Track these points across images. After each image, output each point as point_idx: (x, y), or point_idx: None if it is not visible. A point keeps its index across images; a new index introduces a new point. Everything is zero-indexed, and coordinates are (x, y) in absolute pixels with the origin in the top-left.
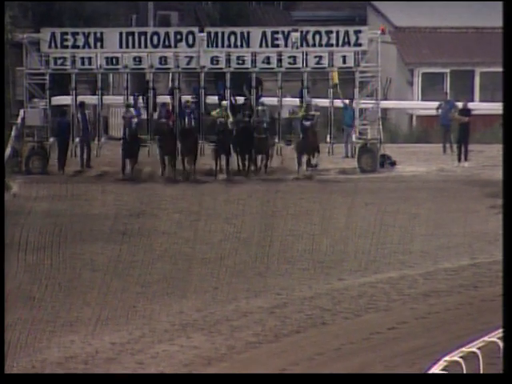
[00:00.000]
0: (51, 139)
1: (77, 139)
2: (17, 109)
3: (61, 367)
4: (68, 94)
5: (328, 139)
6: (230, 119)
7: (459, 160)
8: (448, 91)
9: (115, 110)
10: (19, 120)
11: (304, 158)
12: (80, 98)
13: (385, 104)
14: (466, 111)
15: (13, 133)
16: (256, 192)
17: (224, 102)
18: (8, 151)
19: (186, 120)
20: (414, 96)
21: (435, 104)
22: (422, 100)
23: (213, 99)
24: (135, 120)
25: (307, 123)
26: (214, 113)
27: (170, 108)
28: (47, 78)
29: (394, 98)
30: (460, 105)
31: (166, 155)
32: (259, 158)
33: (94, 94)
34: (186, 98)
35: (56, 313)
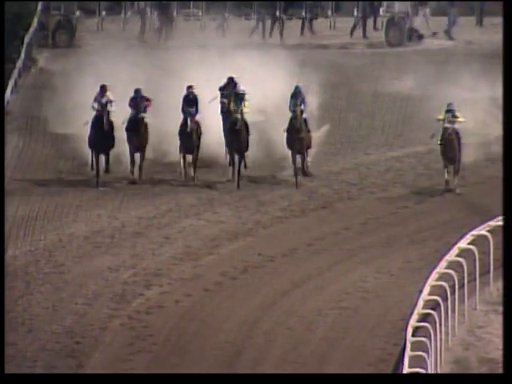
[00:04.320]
0: (77, 13)
1: None
2: None
3: (87, 241)
4: None
5: (355, 13)
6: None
7: None
8: None
9: None
10: None
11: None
12: None
13: None
14: None
15: (39, 6)
16: None
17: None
18: (34, 25)
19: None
20: None
21: None
22: None
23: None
24: (112, 107)
25: (451, 125)
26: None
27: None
28: None
29: None
30: None
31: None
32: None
33: None
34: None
35: (83, 187)
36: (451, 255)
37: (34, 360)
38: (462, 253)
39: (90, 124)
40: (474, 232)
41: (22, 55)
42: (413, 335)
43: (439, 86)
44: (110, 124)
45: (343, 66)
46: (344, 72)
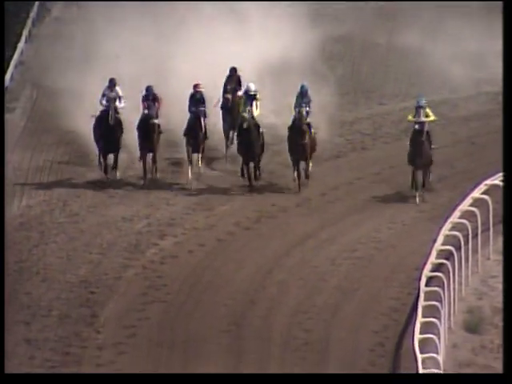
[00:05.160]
0: None
1: None
2: None
3: (101, 191)
4: None
5: None
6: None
7: None
8: None
9: None
10: None
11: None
12: None
13: None
14: None
15: None
16: None
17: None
18: None
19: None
20: None
21: None
22: None
23: None
24: (121, 103)
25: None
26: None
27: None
28: None
29: None
30: None
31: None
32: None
33: None
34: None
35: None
36: (465, 205)
37: (49, 309)
38: (476, 202)
39: (94, 122)
40: (488, 181)
41: (36, 4)
42: (426, 285)
43: (454, 37)
44: (117, 120)
45: (356, 17)
46: (357, 23)
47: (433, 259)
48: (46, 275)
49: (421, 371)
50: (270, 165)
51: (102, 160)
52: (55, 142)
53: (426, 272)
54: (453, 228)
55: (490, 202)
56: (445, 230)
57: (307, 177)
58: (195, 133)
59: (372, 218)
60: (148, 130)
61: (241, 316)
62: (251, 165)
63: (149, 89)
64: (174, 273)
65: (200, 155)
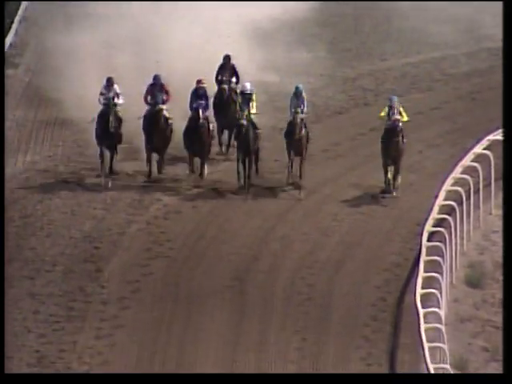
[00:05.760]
0: None
1: None
2: None
3: None
4: None
5: None
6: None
7: None
8: None
9: None
10: None
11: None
12: None
13: None
14: None
15: None
16: None
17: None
18: None
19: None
20: None
21: None
22: None
23: None
24: (120, 99)
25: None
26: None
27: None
28: None
29: None
30: None
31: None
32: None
33: None
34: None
35: None
36: (466, 160)
37: (53, 264)
38: (478, 158)
39: (96, 119)
40: (490, 137)
41: None
42: (428, 240)
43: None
44: (118, 120)
45: None
46: None
47: (435, 214)
48: (50, 230)
49: (422, 326)
50: (271, 120)
51: (101, 156)
52: (59, 99)
53: (428, 227)
54: (454, 183)
55: (491, 158)
56: (447, 186)
57: (300, 176)
58: (196, 133)
59: (374, 174)
60: (156, 123)
61: (244, 271)
62: (247, 166)
63: (156, 77)
64: (178, 228)
65: (203, 156)
